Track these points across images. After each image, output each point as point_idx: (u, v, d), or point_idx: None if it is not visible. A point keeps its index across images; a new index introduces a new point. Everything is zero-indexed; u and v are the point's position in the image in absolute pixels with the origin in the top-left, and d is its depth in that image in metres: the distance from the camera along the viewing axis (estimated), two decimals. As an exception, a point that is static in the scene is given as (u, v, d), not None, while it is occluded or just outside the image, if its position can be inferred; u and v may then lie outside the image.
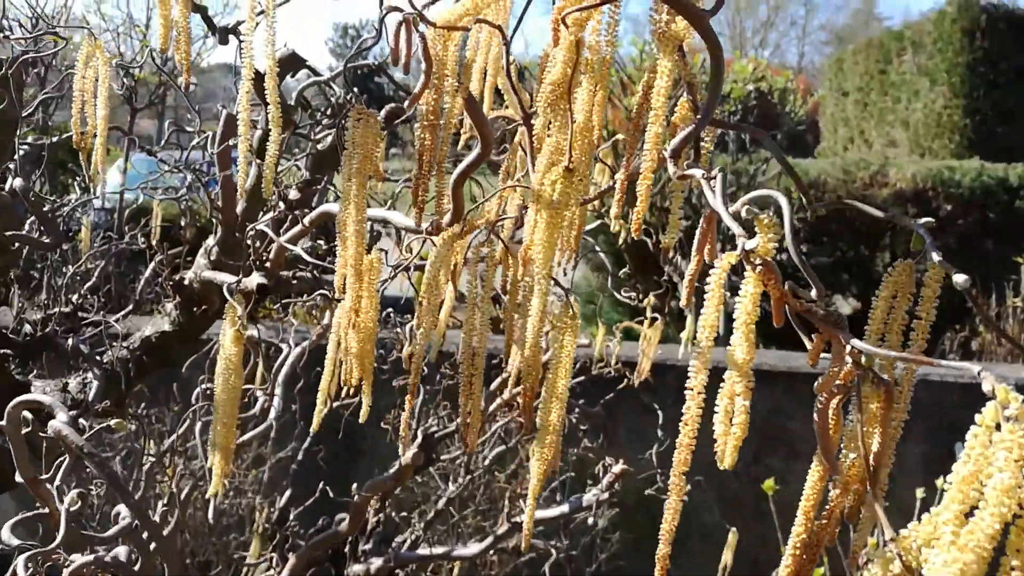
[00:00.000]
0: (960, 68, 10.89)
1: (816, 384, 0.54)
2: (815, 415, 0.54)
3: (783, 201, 0.54)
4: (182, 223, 3.15)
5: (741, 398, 0.54)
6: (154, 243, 2.32)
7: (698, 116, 0.61)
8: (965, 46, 10.83)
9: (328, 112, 1.44)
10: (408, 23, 0.68)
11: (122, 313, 1.81)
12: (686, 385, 0.56)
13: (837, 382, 0.53)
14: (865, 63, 12.61)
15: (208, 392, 1.79)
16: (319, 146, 1.52)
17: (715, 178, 0.55)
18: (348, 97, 1.29)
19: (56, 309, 1.74)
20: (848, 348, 0.50)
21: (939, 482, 3.12)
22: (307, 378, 2.56)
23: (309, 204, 1.47)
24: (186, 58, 0.90)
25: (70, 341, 1.47)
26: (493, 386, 2.23)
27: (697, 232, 0.58)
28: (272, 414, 2.14)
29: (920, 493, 2.94)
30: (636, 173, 0.64)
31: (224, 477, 1.00)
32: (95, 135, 1.14)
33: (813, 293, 0.52)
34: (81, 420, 1.25)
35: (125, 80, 1.91)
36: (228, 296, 0.98)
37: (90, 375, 1.45)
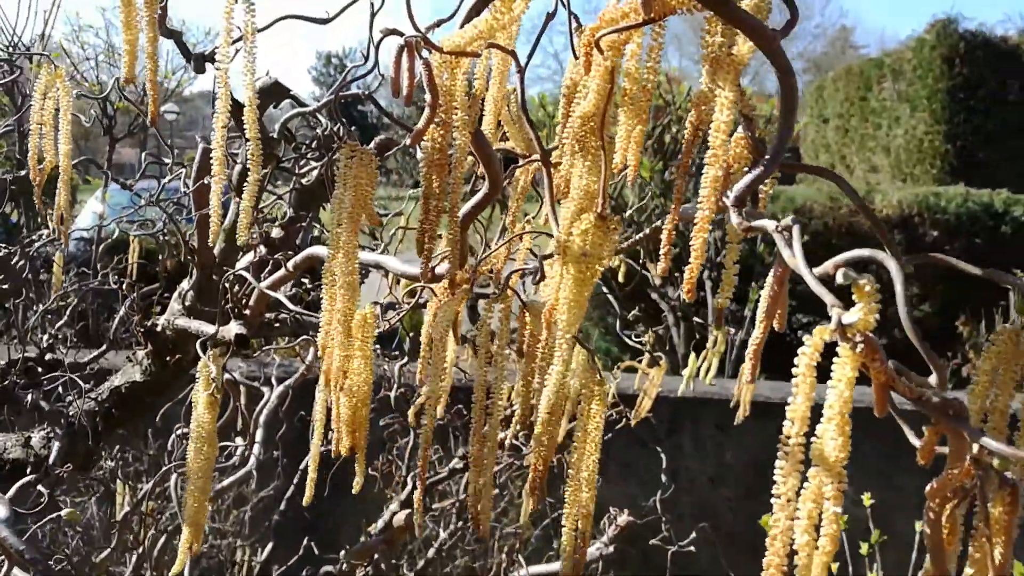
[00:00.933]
0: (940, 94, 10.99)
1: (928, 489, 0.44)
2: (925, 527, 0.43)
3: (892, 264, 0.43)
4: (160, 257, 3.03)
5: (832, 503, 0.43)
6: (127, 282, 2.19)
7: (766, 157, 0.51)
8: (944, 73, 10.94)
9: (313, 144, 1.34)
10: (411, 48, 0.58)
11: (91, 357, 1.69)
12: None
13: (954, 484, 0.43)
14: (845, 90, 12.70)
15: (185, 438, 1.67)
16: (304, 180, 1.42)
17: (791, 230, 0.45)
18: (336, 129, 1.19)
19: (20, 355, 1.62)
20: (975, 448, 0.40)
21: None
22: (290, 421, 2.44)
23: (293, 243, 1.36)
24: (153, 88, 0.80)
25: (30, 396, 1.35)
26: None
27: (764, 294, 0.48)
28: (252, 462, 2.02)
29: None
30: (688, 219, 0.54)
31: (194, 555, 0.89)
32: (56, 169, 1.04)
33: (933, 379, 0.42)
34: (41, 487, 1.13)
35: (95, 112, 1.80)
36: (201, 352, 0.87)
37: (54, 431, 1.33)
